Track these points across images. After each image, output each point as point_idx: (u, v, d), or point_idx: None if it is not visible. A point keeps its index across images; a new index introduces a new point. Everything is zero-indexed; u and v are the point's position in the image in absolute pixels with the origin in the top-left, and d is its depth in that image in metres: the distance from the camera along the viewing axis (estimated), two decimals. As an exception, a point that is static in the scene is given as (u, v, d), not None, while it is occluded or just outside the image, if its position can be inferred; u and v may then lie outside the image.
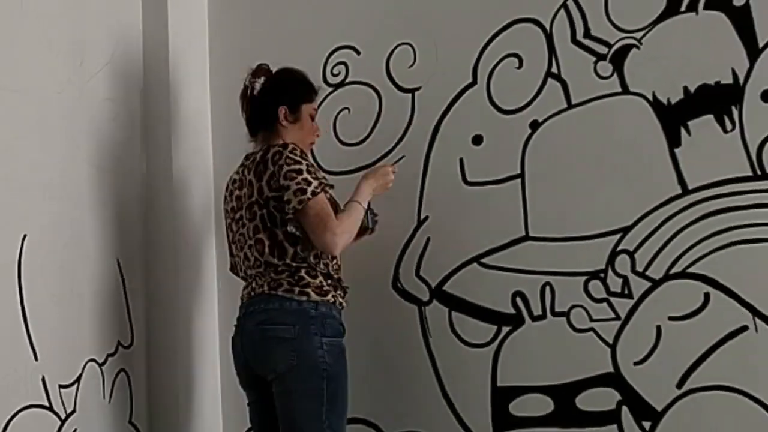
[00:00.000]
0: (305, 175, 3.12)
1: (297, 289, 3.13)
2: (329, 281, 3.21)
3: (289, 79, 3.41)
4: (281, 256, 3.16)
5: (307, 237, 3.14)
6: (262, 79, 3.37)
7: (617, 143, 3.23)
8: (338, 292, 3.24)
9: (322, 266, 3.20)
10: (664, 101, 3.16)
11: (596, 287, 3.23)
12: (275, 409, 3.18)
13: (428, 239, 3.56)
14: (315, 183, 3.12)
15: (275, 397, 3.16)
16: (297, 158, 3.15)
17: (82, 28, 3.76)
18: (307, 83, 3.43)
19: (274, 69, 3.42)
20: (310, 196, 3.08)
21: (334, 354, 3.12)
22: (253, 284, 3.25)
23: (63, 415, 3.47)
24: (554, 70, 3.37)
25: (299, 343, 3.07)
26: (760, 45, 3.02)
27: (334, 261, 3.26)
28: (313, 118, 3.43)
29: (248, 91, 3.39)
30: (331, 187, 3.22)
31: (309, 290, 3.13)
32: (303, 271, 3.16)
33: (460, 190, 3.50)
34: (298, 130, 3.36)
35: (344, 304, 3.26)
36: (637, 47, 3.22)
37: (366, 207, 3.31)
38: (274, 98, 3.35)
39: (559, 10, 3.38)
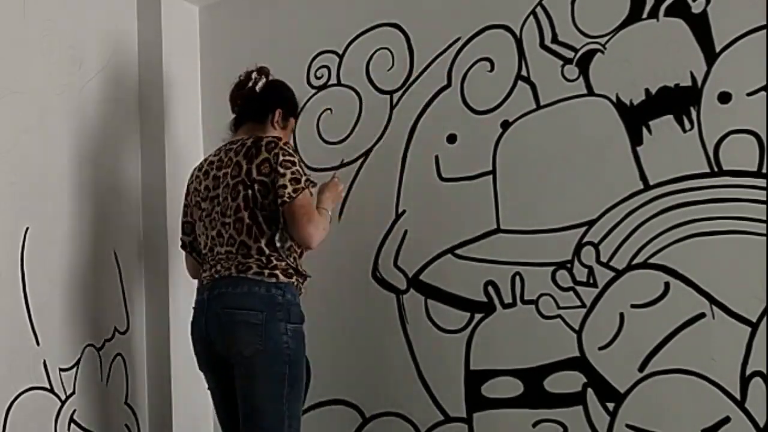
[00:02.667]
0: (298, 167, 3.08)
1: (266, 271, 3.05)
2: (294, 266, 3.13)
3: (288, 90, 3.40)
4: (257, 238, 3.07)
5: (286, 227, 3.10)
6: (264, 79, 3.34)
7: (583, 142, 3.18)
8: (299, 277, 3.16)
9: (289, 257, 3.12)
10: (627, 102, 3.10)
11: (563, 277, 3.18)
12: (235, 391, 3.12)
13: (405, 231, 3.52)
14: (305, 178, 3.08)
15: (237, 378, 3.06)
16: (291, 152, 3.11)
17: (80, 33, 3.76)
18: (297, 103, 3.43)
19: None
20: (303, 186, 3.05)
21: (297, 339, 3.05)
22: (218, 267, 3.14)
23: (63, 397, 3.49)
24: (524, 73, 3.32)
25: (266, 328, 2.99)
26: (717, 50, 2.97)
27: (300, 254, 3.19)
28: (292, 132, 3.46)
29: (248, 84, 3.33)
30: (314, 185, 3.19)
31: (277, 272, 3.05)
32: (273, 257, 3.07)
33: (435, 185, 3.46)
34: (281, 134, 3.30)
35: (303, 291, 3.19)
36: (602, 52, 3.16)
37: (330, 214, 3.32)
38: (274, 100, 3.32)
39: (528, 16, 3.33)
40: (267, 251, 3.07)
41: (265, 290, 3.03)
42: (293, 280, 3.10)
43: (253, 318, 2.99)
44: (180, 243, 3.46)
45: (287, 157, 3.07)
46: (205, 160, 3.36)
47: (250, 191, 3.08)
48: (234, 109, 3.37)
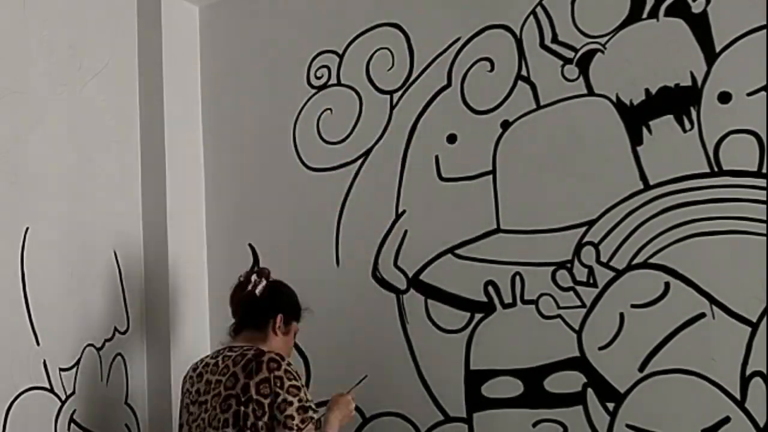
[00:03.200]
0: (303, 394, 2.94)
1: None
2: None
3: (289, 294, 3.27)
4: None
5: None
6: (264, 282, 3.21)
7: (583, 142, 3.17)
8: None
9: None
10: (627, 102, 3.10)
11: (563, 277, 3.17)
12: None
13: (406, 231, 3.51)
14: (311, 405, 2.94)
15: None
16: (295, 375, 2.97)
17: (80, 34, 3.74)
18: (299, 304, 3.29)
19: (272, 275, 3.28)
20: (312, 416, 2.91)
21: None
22: None
23: (63, 397, 3.48)
24: (524, 73, 3.31)
25: None
26: (717, 49, 2.96)
27: None
28: (295, 335, 3.30)
29: (248, 287, 3.21)
30: (316, 411, 3.00)
31: None
32: None
33: (435, 185, 3.45)
34: (283, 341, 3.20)
35: None
36: (602, 52, 3.16)
37: None
38: (275, 304, 3.20)
39: (528, 16, 3.32)
40: None
41: None
42: None
43: None
44: None
45: (293, 382, 2.93)
46: (201, 360, 3.23)
47: (242, 408, 2.93)
48: (234, 314, 3.26)
